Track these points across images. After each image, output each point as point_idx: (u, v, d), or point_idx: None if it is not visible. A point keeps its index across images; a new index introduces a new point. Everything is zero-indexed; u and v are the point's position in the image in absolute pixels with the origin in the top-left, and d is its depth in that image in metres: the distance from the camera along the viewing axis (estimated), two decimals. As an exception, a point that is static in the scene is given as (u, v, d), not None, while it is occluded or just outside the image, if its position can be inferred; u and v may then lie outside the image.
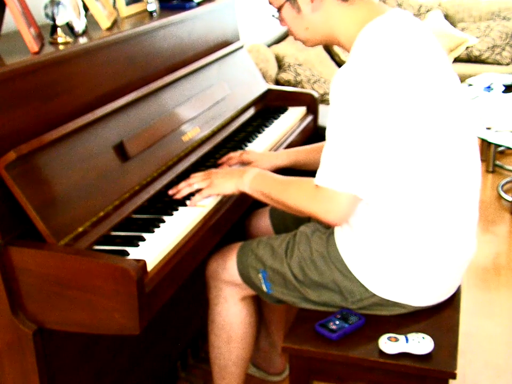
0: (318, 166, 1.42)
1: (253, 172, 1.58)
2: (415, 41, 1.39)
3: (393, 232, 1.44)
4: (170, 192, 1.59)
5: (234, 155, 1.84)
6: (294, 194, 1.49)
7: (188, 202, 1.57)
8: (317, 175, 1.41)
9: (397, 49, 1.34)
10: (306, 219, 1.79)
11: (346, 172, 1.35)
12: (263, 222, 1.92)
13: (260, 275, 1.62)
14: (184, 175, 1.71)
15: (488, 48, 4.95)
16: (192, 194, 1.59)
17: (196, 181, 1.60)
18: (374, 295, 1.50)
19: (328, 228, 1.61)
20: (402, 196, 1.40)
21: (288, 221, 1.84)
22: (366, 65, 1.32)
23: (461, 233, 1.50)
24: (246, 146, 1.98)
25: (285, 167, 1.85)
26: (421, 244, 1.45)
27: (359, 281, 1.50)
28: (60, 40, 1.53)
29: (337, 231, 1.55)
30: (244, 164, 1.82)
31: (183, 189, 1.59)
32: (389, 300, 1.50)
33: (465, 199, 1.48)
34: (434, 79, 1.39)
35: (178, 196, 1.58)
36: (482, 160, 3.77)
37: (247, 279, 1.65)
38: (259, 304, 1.89)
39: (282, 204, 1.52)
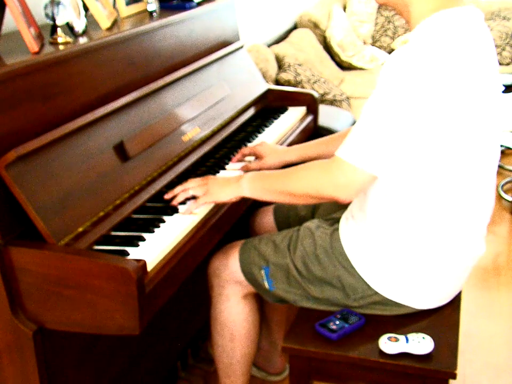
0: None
1: (249, 174, 1.58)
2: (479, 45, 1.37)
3: (400, 231, 1.44)
4: (166, 196, 1.57)
5: (249, 146, 1.89)
6: (302, 177, 1.47)
7: (182, 208, 1.54)
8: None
9: (460, 48, 1.32)
10: (310, 217, 1.79)
11: (372, 150, 1.33)
12: (267, 220, 1.92)
13: (263, 271, 1.62)
14: (184, 175, 1.71)
15: (488, 48, 4.96)
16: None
17: (192, 185, 1.56)
18: (376, 293, 1.50)
19: (332, 225, 1.61)
20: (415, 193, 1.40)
21: (292, 219, 1.85)
22: (426, 55, 1.30)
23: (470, 237, 1.49)
24: (246, 146, 1.98)
25: (293, 163, 1.84)
26: (428, 245, 1.45)
27: (362, 278, 1.50)
28: (60, 40, 1.53)
29: (342, 227, 1.55)
30: (256, 156, 1.85)
31: (179, 195, 1.56)
32: (391, 300, 1.50)
33: (479, 204, 1.47)
34: (483, 86, 1.37)
35: (175, 202, 1.55)
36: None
37: (249, 276, 1.65)
38: (261, 303, 1.89)
39: (288, 193, 1.49)
